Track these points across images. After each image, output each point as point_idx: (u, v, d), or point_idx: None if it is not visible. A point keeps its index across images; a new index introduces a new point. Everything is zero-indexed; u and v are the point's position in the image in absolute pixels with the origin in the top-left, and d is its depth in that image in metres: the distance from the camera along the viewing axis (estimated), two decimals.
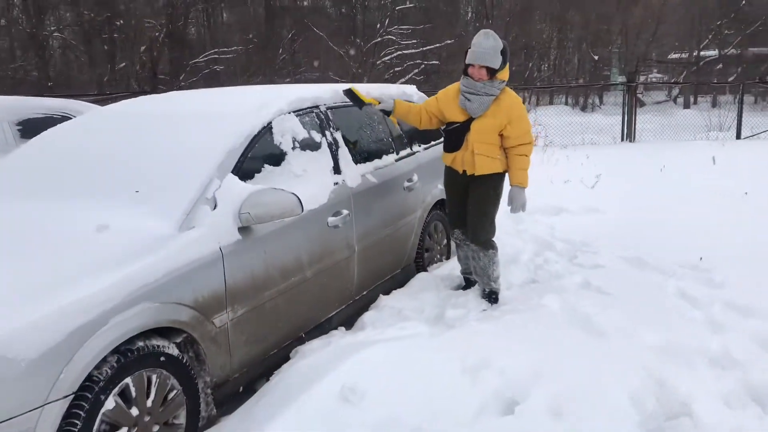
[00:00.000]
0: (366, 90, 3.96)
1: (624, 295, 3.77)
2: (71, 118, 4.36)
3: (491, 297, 3.85)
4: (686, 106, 27.38)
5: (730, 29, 29.11)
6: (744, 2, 28.64)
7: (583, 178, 7.64)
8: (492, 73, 3.62)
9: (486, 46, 3.59)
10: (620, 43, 30.34)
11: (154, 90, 16.16)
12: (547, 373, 2.51)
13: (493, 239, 3.91)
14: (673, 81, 30.10)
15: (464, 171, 3.83)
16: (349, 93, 3.77)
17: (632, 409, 2.35)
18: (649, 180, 7.65)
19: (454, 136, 3.84)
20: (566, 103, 29.78)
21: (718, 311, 3.61)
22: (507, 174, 3.85)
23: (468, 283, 4.16)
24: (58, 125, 3.82)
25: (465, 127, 3.76)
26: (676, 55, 32.56)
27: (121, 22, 20.11)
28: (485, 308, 3.72)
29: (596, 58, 29.94)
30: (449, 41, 22.84)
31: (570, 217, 6.09)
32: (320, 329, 3.44)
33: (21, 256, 2.40)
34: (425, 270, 4.51)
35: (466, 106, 3.71)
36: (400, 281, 4.24)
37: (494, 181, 3.81)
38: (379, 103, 3.84)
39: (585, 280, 4.10)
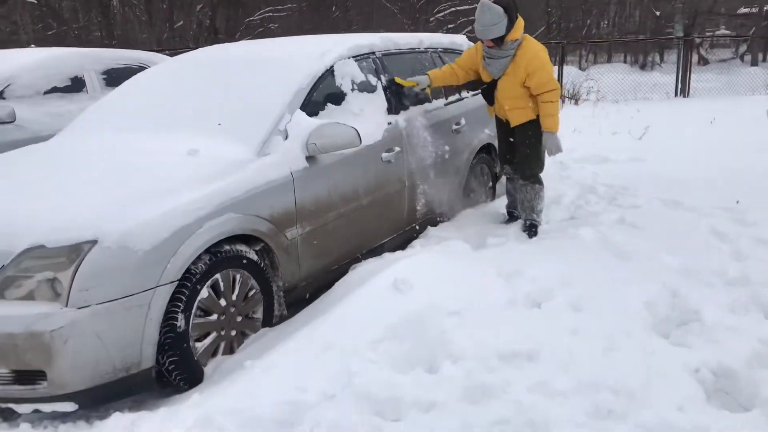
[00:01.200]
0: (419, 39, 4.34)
1: (655, 229, 4.07)
2: (148, 68, 4.86)
3: (531, 230, 4.20)
4: (754, 63, 26.34)
5: None
6: None
7: (631, 130, 7.78)
8: (501, 39, 3.83)
9: (484, 22, 3.78)
10: None
11: None
12: (574, 282, 2.88)
13: (540, 175, 4.26)
14: (733, 35, 28.95)
15: (506, 120, 4.19)
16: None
17: (646, 312, 2.71)
18: (698, 132, 7.74)
19: (487, 93, 4.21)
20: (625, 61, 29.02)
21: (745, 244, 3.88)
22: None
23: (511, 218, 4.53)
24: (143, 71, 4.32)
25: (493, 85, 4.09)
26: (746, 10, 31.16)
27: None
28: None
29: (658, 13, 28.97)
30: None
31: (614, 166, 6.31)
32: (374, 253, 3.87)
33: (132, 172, 2.90)
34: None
35: (488, 70, 4.04)
36: (448, 216, 4.62)
37: (534, 126, 4.08)
38: (417, 84, 4.13)
39: (621, 217, 4.39)
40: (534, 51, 3.91)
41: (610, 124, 8.59)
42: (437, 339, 2.31)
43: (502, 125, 4.33)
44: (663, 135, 7.53)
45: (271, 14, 22.17)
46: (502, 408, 2.05)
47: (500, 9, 3.74)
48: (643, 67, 27.50)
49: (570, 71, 13.90)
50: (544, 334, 2.38)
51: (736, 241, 3.93)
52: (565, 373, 2.19)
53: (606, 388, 2.16)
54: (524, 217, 4.27)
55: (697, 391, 2.20)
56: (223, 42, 5.74)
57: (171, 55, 6.98)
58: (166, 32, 21.50)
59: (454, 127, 4.61)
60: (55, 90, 5.38)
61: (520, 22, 3.87)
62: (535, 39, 4.07)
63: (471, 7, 21.47)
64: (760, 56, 27.93)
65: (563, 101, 11.16)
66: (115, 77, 5.75)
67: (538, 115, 4.04)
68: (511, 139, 4.27)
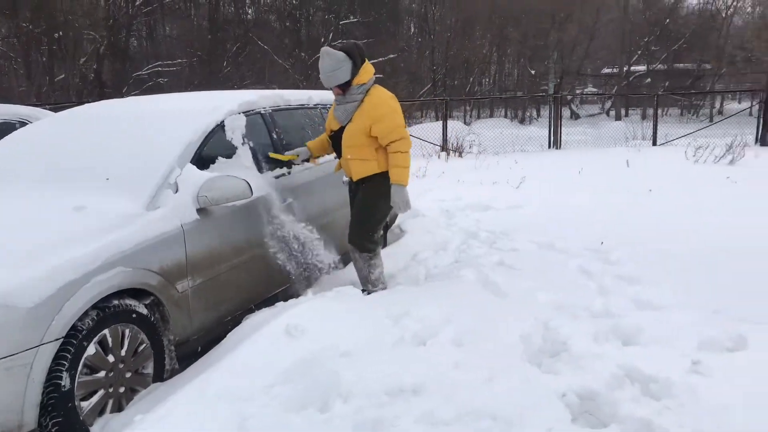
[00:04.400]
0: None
1: (531, 269, 4.41)
2: (29, 123, 4.74)
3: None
4: (618, 118, 28.95)
5: (656, 46, 31.01)
6: (668, 21, 30.56)
7: (510, 180, 8.36)
8: (347, 85, 3.72)
9: (326, 69, 3.68)
10: (556, 59, 31.87)
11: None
12: (457, 319, 3.09)
13: (372, 244, 3.93)
14: (597, 93, 31.84)
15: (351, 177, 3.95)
16: (271, 159, 4.00)
17: (521, 344, 2.95)
18: (568, 181, 8.43)
19: (335, 144, 4.02)
20: (506, 116, 30.98)
21: (608, 281, 4.28)
22: None
23: None
24: (27, 126, 4.23)
25: (340, 135, 3.89)
26: (609, 70, 34.38)
27: (60, 33, 20.02)
28: None
29: (533, 72, 31.32)
30: (392, 55, 23.66)
31: (495, 213, 6.74)
32: (269, 303, 3.92)
33: (15, 229, 2.83)
34: None
35: (335, 115, 3.88)
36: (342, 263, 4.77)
37: (375, 184, 3.81)
38: (298, 156, 4.06)
39: (500, 259, 4.72)
40: (380, 97, 3.77)
41: (491, 174, 9.17)
42: (329, 379, 2.41)
43: (351, 185, 4.10)
44: (537, 184, 8.14)
45: (160, 68, 21.87)
46: None
47: (341, 54, 3.66)
48: (522, 121, 29.47)
49: (455, 126, 14.71)
50: (429, 369, 2.55)
51: (600, 278, 4.33)
52: (449, 403, 2.35)
53: (486, 416, 2.34)
54: (362, 287, 3.99)
55: (565, 413, 2.43)
56: (110, 96, 5.69)
57: (53, 110, 6.78)
58: (46, 86, 20.63)
59: (345, 178, 4.80)
60: None
61: (368, 67, 3.78)
62: (385, 89, 3.92)
63: None
64: (623, 111, 30.71)
65: (448, 154, 11.80)
66: None
67: (381, 172, 3.80)
68: None
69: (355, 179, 3.91)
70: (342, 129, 3.88)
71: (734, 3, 31.30)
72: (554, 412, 2.42)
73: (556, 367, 2.82)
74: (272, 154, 3.99)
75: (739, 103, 29.79)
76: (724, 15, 31.72)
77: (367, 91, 3.79)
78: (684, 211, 6.33)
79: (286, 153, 4.07)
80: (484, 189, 8.04)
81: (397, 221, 5.96)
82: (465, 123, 23.99)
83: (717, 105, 29.80)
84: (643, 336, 3.28)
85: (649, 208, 6.62)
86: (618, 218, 6.18)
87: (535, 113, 30.89)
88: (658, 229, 5.71)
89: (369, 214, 3.88)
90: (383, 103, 3.74)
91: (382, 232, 4.18)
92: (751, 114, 15.62)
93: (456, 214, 6.66)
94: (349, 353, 2.55)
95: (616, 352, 2.99)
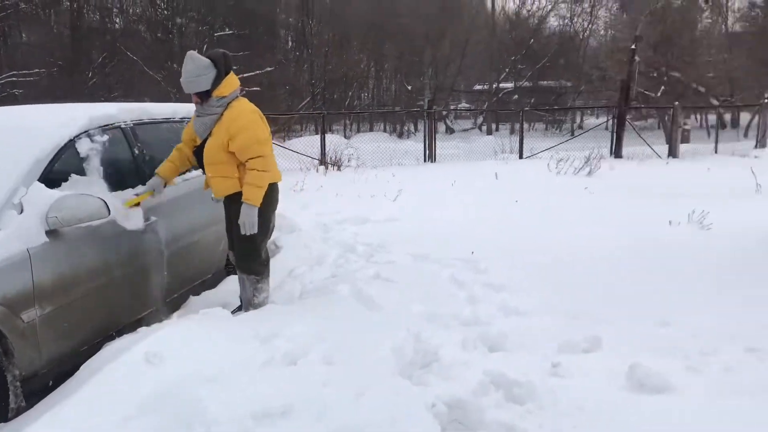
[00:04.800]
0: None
1: (405, 281, 4.48)
2: None
3: None
4: (489, 132, 30.42)
5: (523, 64, 32.96)
6: (532, 41, 32.58)
7: (387, 193, 8.49)
8: (207, 94, 3.55)
9: (187, 73, 3.52)
10: (431, 75, 32.99)
11: None
12: (329, 336, 3.05)
13: (260, 266, 3.82)
14: (470, 108, 33.40)
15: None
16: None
17: (393, 357, 2.97)
18: (443, 193, 8.70)
19: (197, 160, 3.81)
20: (385, 130, 31.57)
21: (478, 290, 4.44)
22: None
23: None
24: None
25: (201, 150, 3.70)
26: (480, 87, 36.11)
27: None
28: None
29: (410, 87, 32.21)
30: (270, 68, 23.40)
31: (373, 226, 6.80)
32: (133, 329, 3.69)
33: None
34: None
35: (195, 128, 3.69)
36: (211, 285, 4.59)
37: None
38: (153, 192, 3.75)
39: (376, 272, 4.74)
40: (240, 111, 3.57)
41: (369, 188, 9.27)
42: (192, 408, 2.29)
43: (221, 201, 3.88)
44: (414, 197, 8.33)
45: (15, 78, 20.21)
46: None
47: (207, 61, 3.51)
48: (400, 135, 30.15)
49: (334, 139, 14.77)
50: (299, 389, 2.49)
51: (470, 287, 4.48)
52: (318, 423, 2.31)
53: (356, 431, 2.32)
54: (244, 309, 3.85)
55: (434, 424, 2.46)
56: None
57: None
58: None
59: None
60: None
61: (232, 80, 3.61)
62: (249, 102, 3.76)
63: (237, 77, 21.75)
64: (494, 126, 32.30)
65: (326, 168, 11.80)
66: None
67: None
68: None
69: (217, 197, 3.75)
70: (201, 145, 3.69)
71: (589, 26, 33.91)
72: (423, 423, 2.44)
73: (426, 378, 2.87)
74: (126, 203, 3.55)
75: (597, 118, 32.31)
76: (581, 37, 34.31)
77: (228, 105, 3.61)
78: (547, 220, 6.71)
79: (138, 194, 3.68)
80: (362, 202, 8.11)
81: (272, 237, 5.84)
82: (345, 137, 24.19)
83: (578, 120, 32.07)
84: (508, 341, 3.42)
85: (515, 218, 6.96)
86: (487, 228, 6.44)
87: (412, 127, 31.71)
88: (523, 238, 6.01)
89: (247, 237, 3.65)
90: (241, 117, 3.57)
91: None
92: (607, 128, 16.92)
93: (334, 227, 6.66)
94: (214, 379, 2.43)
95: (484, 359, 3.09)
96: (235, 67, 3.86)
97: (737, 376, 2.93)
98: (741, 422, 2.52)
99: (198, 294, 4.31)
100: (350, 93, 32.62)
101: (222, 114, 3.59)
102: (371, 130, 31.74)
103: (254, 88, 22.40)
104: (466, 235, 6.13)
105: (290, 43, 33.44)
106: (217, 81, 3.55)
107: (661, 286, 4.43)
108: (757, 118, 18.30)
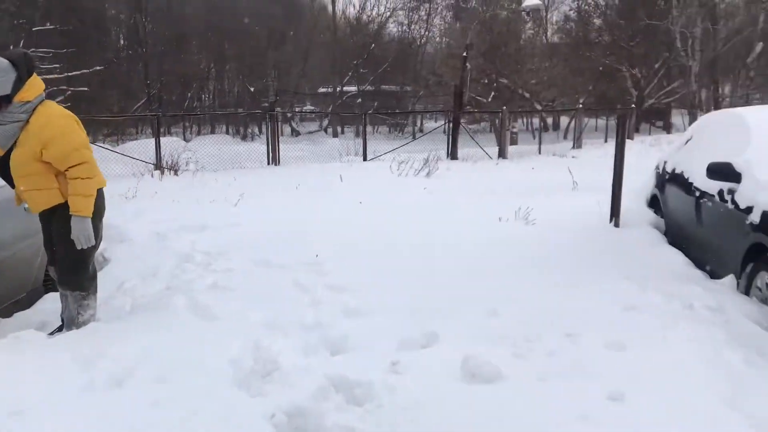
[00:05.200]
0: None
1: (246, 288, 4.35)
2: None
3: None
4: (335, 135, 30.72)
5: (365, 69, 33.65)
6: (373, 46, 33.39)
7: (228, 197, 8.22)
8: (7, 100, 3.22)
9: None
10: (274, 76, 32.66)
11: None
12: (161, 353, 2.86)
13: (86, 281, 3.56)
14: (314, 111, 33.58)
15: None
16: None
17: (230, 369, 2.85)
18: (286, 196, 8.60)
19: (3, 173, 3.44)
20: (228, 132, 30.71)
21: (321, 292, 4.42)
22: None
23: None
24: None
25: (4, 161, 3.36)
26: (325, 90, 36.34)
27: None
28: None
29: (252, 89, 31.61)
30: (99, 67, 21.80)
31: (213, 232, 6.53)
32: None
33: None
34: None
35: None
36: (26, 304, 4.14)
37: (66, 214, 3.35)
38: None
39: (214, 281, 4.56)
40: (50, 116, 3.28)
41: (208, 192, 8.92)
42: None
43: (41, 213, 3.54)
44: (256, 200, 8.15)
45: None
46: None
47: (5, 62, 3.17)
48: (244, 137, 29.48)
49: (171, 142, 14.08)
50: (123, 414, 2.30)
51: (313, 291, 4.44)
52: None
53: None
54: (66, 329, 3.53)
55: None
56: None
57: None
58: None
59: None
60: None
61: (36, 83, 3.31)
62: (59, 105, 3.51)
63: (61, 76, 20.03)
64: (339, 129, 32.66)
65: (162, 173, 11.20)
66: None
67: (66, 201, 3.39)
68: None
69: (35, 212, 3.43)
70: (6, 156, 3.33)
71: (426, 33, 35.42)
72: None
73: (265, 388, 2.78)
74: None
75: (435, 122, 33.85)
76: (418, 43, 35.73)
77: (33, 110, 3.28)
78: (389, 221, 6.86)
79: None
80: (201, 208, 7.78)
81: (99, 248, 5.41)
82: (185, 139, 23.17)
83: (418, 123, 33.37)
84: (349, 343, 3.43)
85: (359, 219, 7.04)
86: (332, 230, 6.44)
87: (257, 130, 31.15)
88: (367, 239, 6.09)
89: (72, 249, 3.37)
90: (53, 123, 3.28)
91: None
92: (444, 131, 17.75)
93: (169, 236, 6.30)
94: (20, 412, 2.17)
95: (325, 363, 3.06)
96: (58, 66, 3.53)
97: (558, 359, 3.16)
98: (562, 401, 2.71)
99: (9, 315, 3.86)
100: (189, 94, 31.35)
101: (28, 120, 3.27)
102: (213, 132, 30.73)
103: (81, 88, 20.78)
104: (310, 238, 6.09)
105: (122, 41, 31.42)
106: (19, 84, 3.22)
107: (492, 278, 4.69)
108: (574, 121, 20.14)
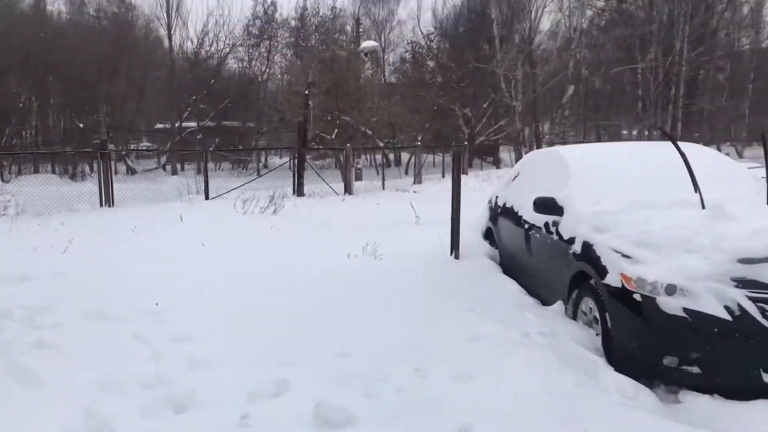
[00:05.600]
0: None
1: (75, 346, 3.95)
2: None
3: None
4: (174, 173, 29.43)
5: (205, 104, 32.76)
6: (213, 82, 32.69)
7: (54, 244, 7.51)
8: None
9: None
10: (106, 112, 30.74)
11: None
12: None
13: None
14: (150, 149, 32.09)
15: None
16: None
17: None
18: (122, 240, 8.03)
19: None
20: (54, 172, 28.27)
21: (162, 344, 4.14)
22: None
23: None
24: None
25: None
26: (162, 126, 34.80)
27: None
28: None
29: (82, 125, 29.48)
30: None
31: (35, 284, 5.91)
32: None
33: None
34: None
35: None
36: None
37: None
38: None
39: (38, 339, 4.10)
40: None
41: (32, 238, 8.09)
42: None
43: None
44: (87, 246, 7.53)
45: None
46: None
47: None
48: (73, 177, 27.31)
49: None
50: None
51: (154, 343, 4.16)
52: None
53: None
54: None
55: None
56: None
57: None
58: None
59: None
60: None
61: None
62: None
63: None
64: (179, 166, 31.40)
65: None
66: None
67: None
68: None
69: None
70: None
71: (267, 70, 35.38)
72: None
73: None
74: None
75: (281, 158, 33.71)
76: (260, 80, 35.57)
77: None
78: (234, 263, 6.66)
79: None
80: (21, 257, 7.01)
81: None
82: (2, 180, 20.97)
83: (262, 160, 33.02)
84: (196, 398, 3.23)
85: (202, 262, 6.76)
86: (173, 275, 6.11)
87: (88, 169, 28.97)
88: (211, 283, 5.86)
89: None
90: None
91: None
92: (289, 168, 17.69)
93: None
94: None
95: (167, 424, 2.86)
96: None
97: (408, 396, 3.21)
98: None
99: None
100: (7, 131, 28.53)
101: None
102: (36, 172, 28.11)
103: None
104: (149, 285, 5.73)
105: None
106: None
107: (342, 317, 4.70)
108: (413, 157, 21.06)
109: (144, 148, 32.50)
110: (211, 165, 30.18)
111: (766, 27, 35.14)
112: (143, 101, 32.07)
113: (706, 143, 23.50)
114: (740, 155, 31.36)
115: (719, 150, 19.09)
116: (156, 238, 8.11)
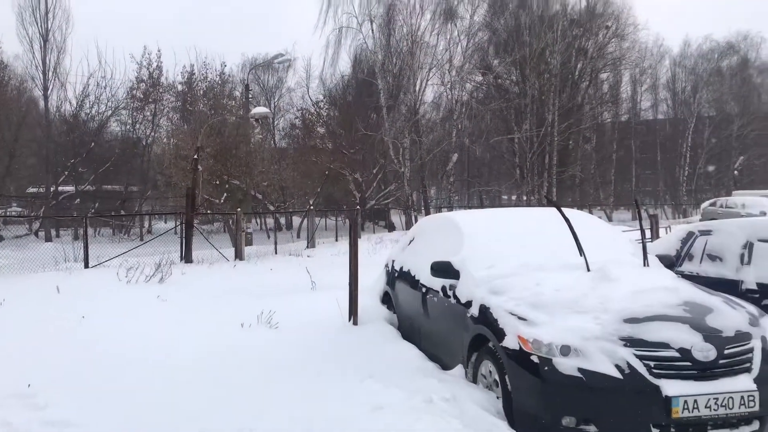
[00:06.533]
0: None
1: None
2: None
3: None
4: (48, 239, 27.44)
5: (84, 168, 31.13)
6: (93, 145, 31.22)
7: None
8: None
9: None
10: None
11: None
12: None
13: None
14: (21, 215, 29.89)
15: None
16: None
17: None
18: None
19: None
20: None
21: (35, 429, 3.74)
22: None
23: None
24: None
25: None
26: (35, 190, 32.57)
27: None
28: None
29: None
30: None
31: None
32: None
33: None
34: None
35: None
36: None
37: None
38: None
39: None
40: None
41: None
42: None
43: None
44: None
45: None
46: None
47: None
48: None
49: None
50: None
51: (27, 429, 3.75)
52: None
53: None
54: None
55: None
56: None
57: None
58: None
59: None
60: None
61: None
62: None
63: None
64: (54, 232, 29.37)
65: None
66: None
67: None
68: None
69: None
70: None
71: (152, 133, 34.37)
72: None
73: None
74: None
75: (166, 222, 32.44)
76: (144, 143, 34.44)
77: None
78: (118, 337, 6.23)
79: None
80: None
81: None
82: None
83: (147, 224, 31.63)
84: None
85: (82, 337, 6.27)
86: (48, 353, 5.62)
87: None
88: (93, 360, 5.44)
89: None
90: None
91: None
92: (176, 233, 17.03)
93: None
94: None
95: None
96: None
97: None
98: None
99: None
100: None
101: None
102: None
103: None
104: (19, 365, 5.23)
105: None
106: None
107: (239, 394, 4.47)
108: (306, 221, 21.00)
109: (14, 214, 30.16)
110: (90, 230, 28.52)
111: (623, 103, 39.13)
112: (13, 164, 29.98)
113: (579, 207, 25.36)
114: (609, 218, 34.04)
115: (591, 213, 20.65)
116: (27, 312, 7.45)
